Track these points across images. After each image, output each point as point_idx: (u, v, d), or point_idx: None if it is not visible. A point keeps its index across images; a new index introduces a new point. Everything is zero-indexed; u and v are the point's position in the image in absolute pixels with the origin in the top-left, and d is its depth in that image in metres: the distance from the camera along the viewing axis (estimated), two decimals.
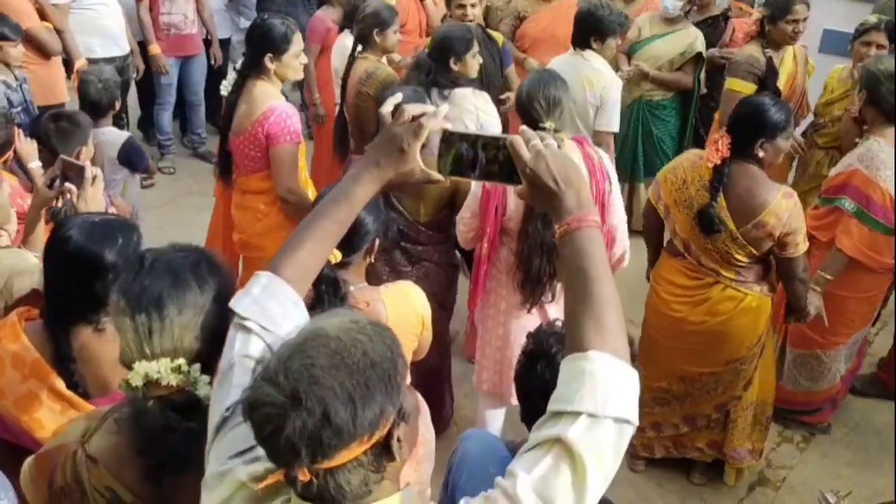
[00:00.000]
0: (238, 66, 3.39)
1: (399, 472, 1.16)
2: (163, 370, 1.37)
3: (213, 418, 1.27)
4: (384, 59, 4.14)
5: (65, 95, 4.75)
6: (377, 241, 2.28)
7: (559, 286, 2.99)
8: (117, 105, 3.97)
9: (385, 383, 1.08)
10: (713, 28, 5.19)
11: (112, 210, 2.93)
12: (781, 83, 4.31)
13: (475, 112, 3.62)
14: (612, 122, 3.95)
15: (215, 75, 6.11)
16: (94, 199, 2.33)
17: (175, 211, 5.56)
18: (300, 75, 3.44)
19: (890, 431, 3.78)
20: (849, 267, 3.31)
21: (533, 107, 2.86)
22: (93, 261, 1.81)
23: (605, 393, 1.13)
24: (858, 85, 3.68)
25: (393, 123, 1.37)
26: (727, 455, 3.37)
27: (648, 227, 3.38)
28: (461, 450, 1.72)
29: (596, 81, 3.88)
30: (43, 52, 4.67)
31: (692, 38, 4.91)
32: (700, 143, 5.00)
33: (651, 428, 3.38)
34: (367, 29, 4.01)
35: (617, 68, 4.75)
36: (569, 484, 1.11)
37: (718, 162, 2.91)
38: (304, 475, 1.07)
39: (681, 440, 3.41)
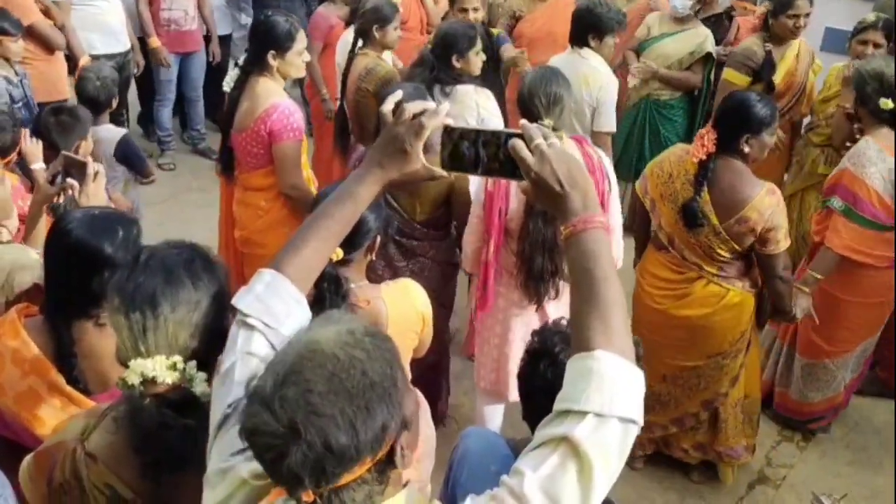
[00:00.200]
0: (240, 62, 3.39)
1: (401, 475, 1.15)
2: (158, 368, 1.37)
3: (215, 416, 1.27)
4: (384, 56, 4.14)
5: (67, 92, 4.75)
6: (378, 239, 2.28)
7: (561, 283, 3.00)
8: (115, 102, 3.96)
9: (386, 402, 1.06)
10: (717, 26, 5.18)
11: (111, 206, 2.93)
12: (778, 78, 4.32)
13: (476, 109, 3.61)
14: (609, 123, 3.95)
15: (214, 72, 6.12)
16: (95, 194, 2.34)
17: (175, 207, 5.56)
18: (302, 73, 3.43)
19: (890, 431, 3.79)
20: (846, 268, 3.30)
21: (533, 103, 2.86)
22: (93, 253, 1.81)
23: (611, 392, 1.13)
24: (851, 84, 3.74)
25: (394, 123, 1.36)
26: (722, 454, 3.37)
27: (636, 221, 3.38)
28: (462, 447, 1.72)
29: (593, 80, 3.87)
30: (46, 47, 4.69)
31: (702, 38, 4.90)
32: None
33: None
34: (367, 25, 4.01)
35: (614, 67, 4.73)
36: (575, 482, 1.10)
37: (704, 157, 2.92)
38: (308, 496, 1.07)
39: (667, 439, 3.43)
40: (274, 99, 3.22)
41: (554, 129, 2.78)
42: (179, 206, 5.59)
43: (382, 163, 1.35)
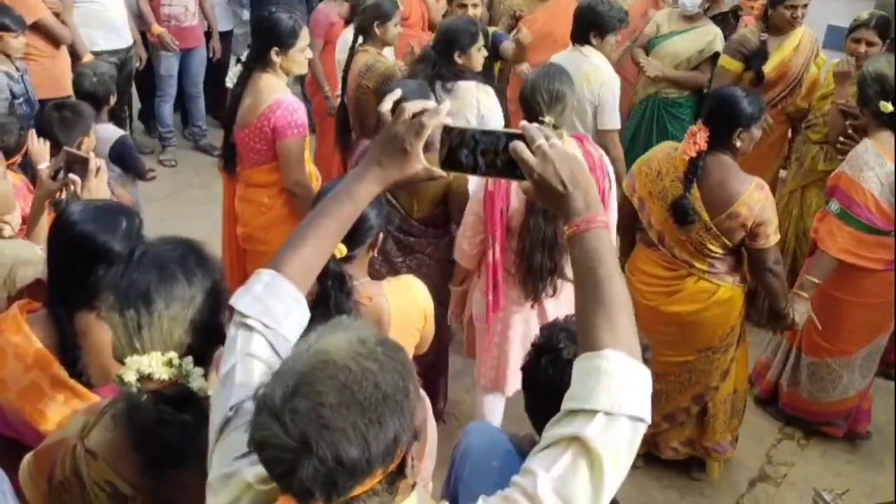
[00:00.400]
0: (242, 58, 3.39)
1: (410, 485, 1.14)
2: (154, 364, 1.37)
3: (216, 419, 1.25)
4: (385, 52, 4.13)
5: (70, 88, 4.75)
6: (380, 236, 2.28)
7: (559, 281, 2.99)
8: (112, 99, 3.95)
9: (398, 415, 1.04)
10: (723, 24, 5.16)
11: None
12: (769, 67, 4.33)
13: (477, 106, 3.61)
14: (613, 120, 3.93)
15: (215, 68, 6.12)
16: (97, 190, 2.34)
17: (176, 203, 5.56)
18: (305, 70, 3.44)
19: (890, 429, 3.78)
20: (845, 269, 3.28)
21: (535, 99, 2.85)
22: (96, 244, 1.81)
23: (620, 391, 1.14)
24: (844, 80, 3.83)
25: (393, 122, 1.34)
26: (709, 449, 3.38)
27: (622, 221, 3.34)
28: (464, 443, 1.72)
29: (594, 78, 3.86)
30: (53, 43, 4.72)
31: (711, 36, 4.88)
32: None
33: None
34: (367, 21, 4.00)
35: (615, 64, 4.71)
36: (587, 482, 1.11)
37: (694, 154, 2.93)
38: None
39: (655, 440, 3.42)
40: (277, 95, 3.22)
41: (555, 127, 2.79)
42: (181, 203, 5.59)
43: (382, 162, 1.34)
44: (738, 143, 2.94)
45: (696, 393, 3.29)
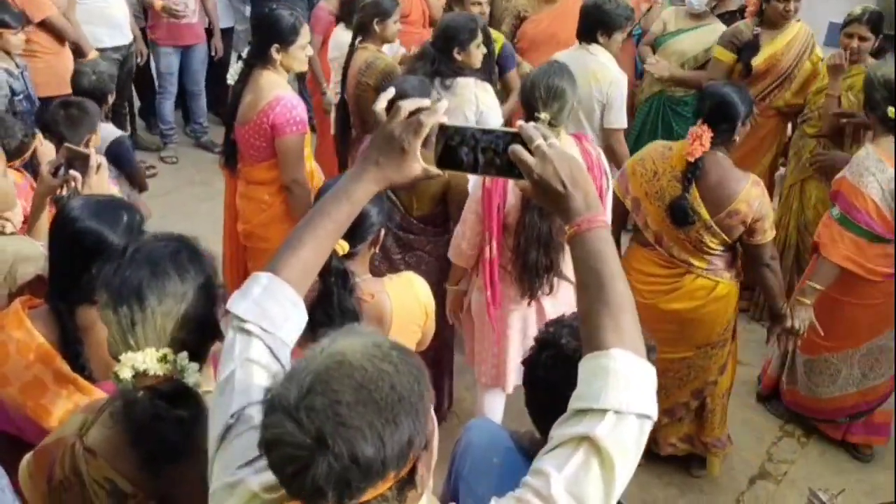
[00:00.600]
0: (243, 55, 3.38)
1: (418, 495, 1.13)
2: (148, 360, 1.38)
3: (216, 426, 1.24)
4: (384, 49, 4.12)
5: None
6: (382, 232, 2.28)
7: (556, 280, 2.99)
8: (111, 99, 3.95)
9: (413, 417, 1.03)
10: (730, 23, 5.13)
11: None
12: (758, 60, 4.35)
13: (475, 102, 3.60)
14: (620, 119, 3.92)
15: (216, 65, 6.11)
16: (98, 186, 2.34)
17: (178, 200, 5.56)
18: (305, 67, 3.43)
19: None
20: (845, 275, 3.25)
21: (533, 95, 2.84)
22: (97, 238, 1.82)
23: (628, 389, 1.15)
24: (839, 74, 3.93)
25: (389, 121, 1.33)
26: (709, 445, 3.38)
27: (613, 221, 3.30)
28: (465, 439, 1.73)
29: (602, 77, 3.85)
30: (59, 40, 4.76)
31: (718, 35, 4.88)
32: None
33: None
34: (367, 18, 4.00)
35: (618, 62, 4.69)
36: (599, 481, 1.11)
37: (699, 154, 2.93)
38: None
39: (654, 436, 3.41)
40: (277, 92, 3.21)
41: (551, 124, 2.77)
42: (182, 200, 5.60)
43: (380, 162, 1.33)
44: (738, 139, 3.00)
45: (695, 388, 3.30)
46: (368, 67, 3.91)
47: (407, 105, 1.32)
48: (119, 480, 1.45)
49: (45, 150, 3.09)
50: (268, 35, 3.22)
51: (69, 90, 3.95)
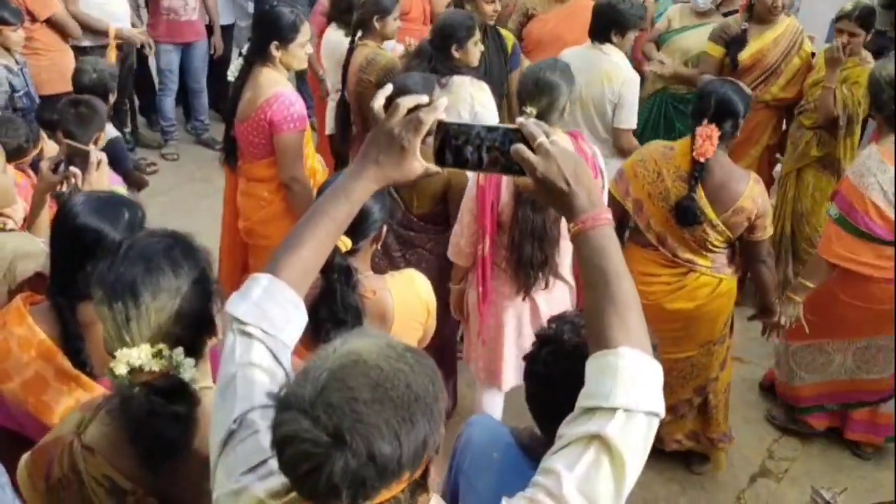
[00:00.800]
0: (244, 51, 3.37)
1: (429, 499, 1.12)
2: (144, 356, 1.38)
3: (217, 431, 1.23)
4: (385, 45, 4.11)
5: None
6: (384, 229, 2.27)
7: (551, 278, 2.99)
8: (111, 98, 3.94)
9: (428, 417, 1.03)
10: None
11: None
12: (745, 55, 4.38)
13: (470, 101, 3.57)
14: (631, 119, 3.91)
15: (217, 61, 6.11)
16: (98, 183, 2.34)
17: (178, 197, 5.56)
18: (305, 65, 3.43)
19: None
20: (852, 274, 3.23)
21: (525, 89, 2.84)
22: (98, 234, 1.82)
23: (636, 387, 1.15)
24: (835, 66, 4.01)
25: (387, 119, 1.31)
26: (714, 440, 3.38)
27: None
28: (466, 435, 1.73)
29: (615, 76, 3.82)
30: (62, 37, 4.79)
31: None
32: None
33: None
34: (367, 15, 3.99)
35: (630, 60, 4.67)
36: (610, 479, 1.12)
37: (711, 155, 2.92)
38: None
39: (658, 433, 3.40)
40: (276, 88, 3.20)
41: (538, 117, 2.76)
42: (183, 196, 5.60)
43: (380, 160, 1.31)
44: (737, 135, 3.02)
45: (698, 385, 3.30)
46: (369, 64, 3.90)
47: (405, 102, 1.31)
48: (117, 477, 1.45)
49: (47, 147, 3.09)
50: (268, 32, 3.21)
51: (71, 88, 3.95)
